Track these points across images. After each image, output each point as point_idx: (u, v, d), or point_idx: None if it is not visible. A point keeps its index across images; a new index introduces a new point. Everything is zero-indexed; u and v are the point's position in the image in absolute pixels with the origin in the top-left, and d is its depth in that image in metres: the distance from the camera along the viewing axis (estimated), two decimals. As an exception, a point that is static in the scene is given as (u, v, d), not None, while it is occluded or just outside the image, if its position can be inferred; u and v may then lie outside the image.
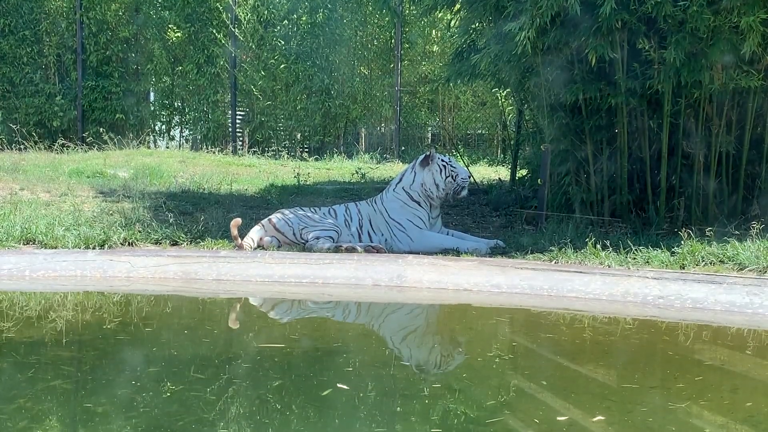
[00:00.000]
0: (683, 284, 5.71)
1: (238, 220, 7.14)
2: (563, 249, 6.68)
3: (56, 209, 8.25)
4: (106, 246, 6.94)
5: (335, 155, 16.91)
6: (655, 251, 6.50)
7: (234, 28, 17.66)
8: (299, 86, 18.10)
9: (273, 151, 17.53)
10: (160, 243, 7.24)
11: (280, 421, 3.38)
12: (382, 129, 19.64)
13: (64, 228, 7.25)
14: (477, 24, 9.49)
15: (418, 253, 7.00)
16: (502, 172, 12.89)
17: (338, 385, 3.77)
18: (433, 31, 18.77)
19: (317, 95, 18.10)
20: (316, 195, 10.44)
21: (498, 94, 16.62)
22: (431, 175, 7.46)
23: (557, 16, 7.51)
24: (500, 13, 7.97)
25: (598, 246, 6.61)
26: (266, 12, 17.84)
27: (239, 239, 7.00)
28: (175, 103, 19.11)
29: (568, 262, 6.48)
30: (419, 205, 7.48)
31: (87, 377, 4.04)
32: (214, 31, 17.71)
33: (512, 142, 12.23)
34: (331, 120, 18.58)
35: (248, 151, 17.46)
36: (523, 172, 10.72)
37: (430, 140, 19.94)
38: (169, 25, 18.25)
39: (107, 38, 17.87)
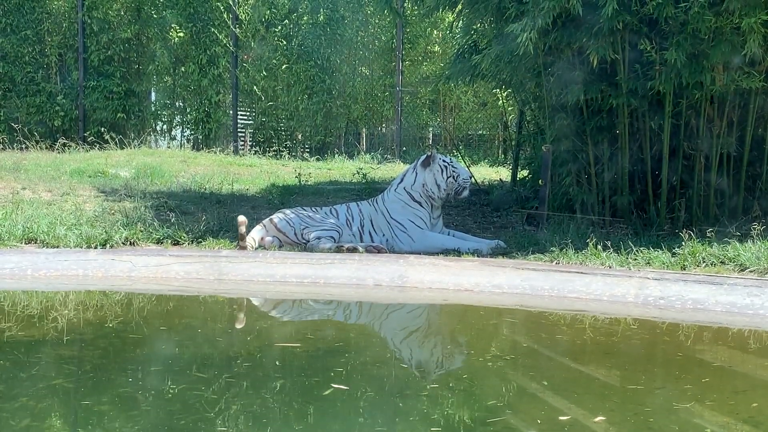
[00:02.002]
0: (684, 285, 5.72)
1: (244, 219, 7.15)
2: (564, 249, 6.69)
3: (58, 209, 8.25)
4: (108, 245, 6.96)
5: (336, 155, 16.91)
6: (656, 252, 6.51)
7: (235, 28, 17.67)
8: (300, 86, 18.11)
9: (274, 151, 17.52)
10: (162, 242, 7.26)
11: (282, 420, 3.39)
12: (383, 129, 19.64)
13: (65, 227, 7.26)
14: (479, 24, 9.50)
15: (420, 254, 7.01)
16: (503, 173, 12.89)
17: (337, 385, 3.78)
18: (435, 31, 18.76)
19: (318, 95, 18.10)
20: (317, 195, 10.44)
21: (499, 95, 16.62)
22: (432, 176, 7.47)
23: (559, 17, 7.51)
24: (502, 14, 7.99)
25: (599, 247, 6.62)
26: (267, 12, 17.84)
27: (246, 239, 7.02)
28: (177, 103, 19.10)
29: (569, 262, 6.48)
30: (420, 205, 7.49)
31: (89, 376, 4.05)
32: (216, 31, 17.71)
33: (513, 143, 12.22)
34: (332, 120, 18.58)
35: (249, 151, 17.46)
36: (524, 172, 10.71)
37: (431, 140, 19.94)
38: (171, 25, 18.25)
39: (109, 38, 17.84)
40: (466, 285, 6.14)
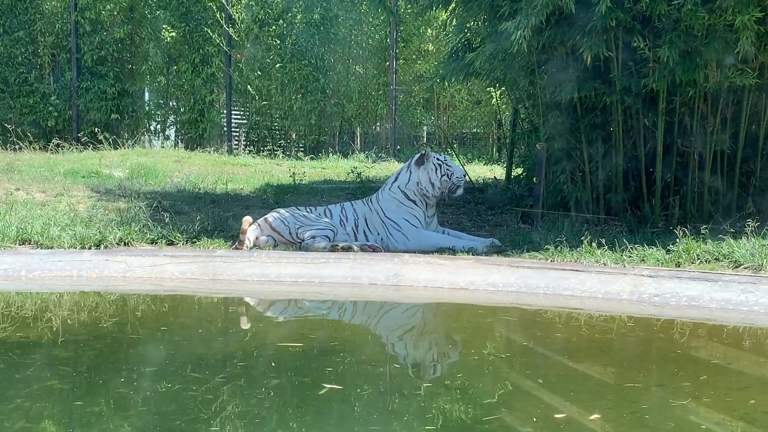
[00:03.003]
0: (679, 282, 5.72)
1: (250, 220, 7.15)
2: (559, 247, 6.70)
3: (52, 209, 8.23)
4: (102, 246, 6.94)
5: (331, 154, 16.90)
6: (651, 249, 6.53)
7: (228, 27, 17.65)
8: (294, 85, 18.09)
9: (268, 150, 17.50)
10: (156, 243, 7.24)
11: (277, 420, 3.38)
12: (378, 128, 19.63)
13: (59, 228, 7.24)
14: (472, 23, 9.49)
15: (414, 252, 7.00)
16: (498, 171, 12.90)
17: (330, 385, 3.78)
18: (428, 29, 18.76)
19: (312, 94, 18.09)
20: (311, 194, 10.43)
21: (493, 93, 16.63)
22: (427, 174, 7.47)
23: (552, 15, 7.52)
24: (495, 12, 7.98)
25: (594, 244, 6.63)
26: (261, 11, 17.82)
27: (247, 241, 7.01)
28: (170, 103, 19.05)
29: (563, 260, 6.49)
30: (415, 204, 7.48)
31: (84, 377, 4.04)
32: (209, 30, 17.68)
33: (507, 141, 12.23)
34: (327, 119, 18.57)
35: (243, 151, 17.45)
36: (519, 170, 10.73)
37: (425, 139, 19.94)
38: (164, 25, 18.21)
39: (102, 38, 17.81)
40: (461, 283, 6.14)
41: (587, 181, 8.42)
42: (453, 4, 9.37)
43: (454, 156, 12.72)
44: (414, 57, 19.11)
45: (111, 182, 10.54)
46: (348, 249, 7.03)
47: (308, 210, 7.57)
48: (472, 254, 6.95)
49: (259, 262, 6.58)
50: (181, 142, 18.59)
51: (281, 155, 16.99)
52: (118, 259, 6.56)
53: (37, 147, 14.34)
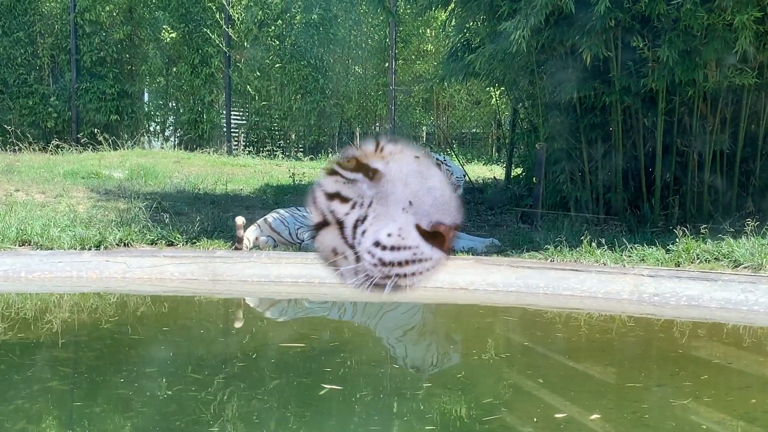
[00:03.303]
0: (678, 282, 5.72)
1: (243, 219, 7.15)
2: (559, 247, 6.69)
3: (52, 210, 8.23)
4: (102, 247, 6.93)
5: (330, 155, 16.90)
6: (651, 249, 6.52)
7: (228, 28, 17.64)
8: (294, 86, 18.08)
9: (268, 151, 17.48)
10: (156, 243, 7.23)
11: (277, 420, 3.39)
12: (377, 128, 19.62)
13: (59, 229, 7.23)
14: (471, 23, 9.49)
15: (414, 252, 6.98)
16: (497, 171, 12.90)
17: (330, 385, 3.78)
18: (428, 30, 18.76)
19: (312, 95, 18.07)
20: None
21: (492, 93, 16.63)
22: (426, 174, 7.45)
23: (552, 15, 7.51)
24: (495, 12, 7.98)
25: (594, 244, 6.62)
26: (260, 12, 17.81)
27: (246, 241, 7.01)
28: (170, 104, 19.04)
29: (563, 260, 6.49)
30: (415, 204, 7.47)
31: (84, 378, 4.04)
32: (208, 31, 17.67)
33: (507, 141, 12.22)
34: (326, 120, 18.56)
35: (243, 152, 17.44)
36: (518, 170, 10.73)
37: (424, 139, 19.93)
38: (163, 26, 18.20)
39: (101, 39, 17.80)
40: (461, 283, 6.14)
41: (587, 181, 8.42)
42: (452, 5, 9.37)
43: (454, 156, 12.72)
44: (413, 57, 19.09)
45: (111, 183, 10.53)
46: (348, 249, 7.02)
47: (308, 210, 7.56)
48: (472, 254, 6.95)
49: (259, 263, 6.58)
50: (181, 143, 18.59)
51: (281, 156, 16.98)
52: (118, 260, 6.55)
53: (37, 148, 14.33)
